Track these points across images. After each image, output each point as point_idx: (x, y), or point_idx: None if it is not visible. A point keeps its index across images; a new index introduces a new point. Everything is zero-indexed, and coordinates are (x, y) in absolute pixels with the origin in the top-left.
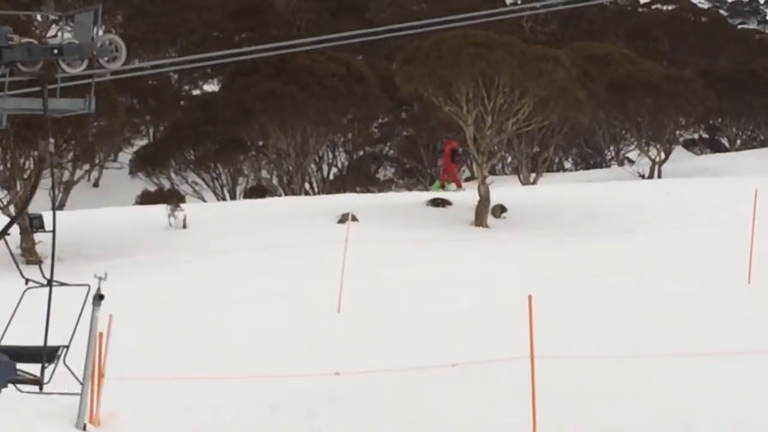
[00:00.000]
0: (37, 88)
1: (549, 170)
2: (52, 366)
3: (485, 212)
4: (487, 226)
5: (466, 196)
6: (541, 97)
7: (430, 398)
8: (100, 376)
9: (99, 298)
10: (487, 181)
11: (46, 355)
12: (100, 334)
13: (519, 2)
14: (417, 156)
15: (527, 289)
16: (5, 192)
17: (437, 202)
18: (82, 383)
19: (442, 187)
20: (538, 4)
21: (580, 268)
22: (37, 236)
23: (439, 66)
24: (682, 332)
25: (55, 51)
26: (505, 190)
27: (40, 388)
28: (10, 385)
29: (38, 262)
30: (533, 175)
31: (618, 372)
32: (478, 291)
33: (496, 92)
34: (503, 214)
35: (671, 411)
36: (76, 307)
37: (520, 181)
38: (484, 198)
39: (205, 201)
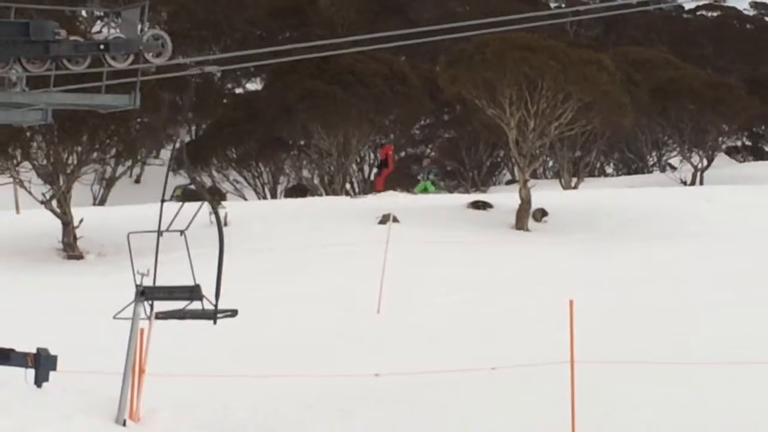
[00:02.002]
0: (84, 84)
1: (590, 175)
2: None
3: (526, 216)
4: (527, 230)
5: (507, 200)
6: (584, 102)
7: (468, 401)
8: (141, 372)
9: (141, 294)
10: (529, 184)
11: (193, 293)
12: (141, 331)
13: (563, 6)
14: (458, 158)
15: (567, 294)
16: (48, 186)
17: (478, 205)
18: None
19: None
20: (581, 8)
21: (620, 273)
22: (79, 231)
23: (482, 69)
24: (723, 339)
25: (102, 46)
26: (546, 194)
27: (214, 322)
28: (51, 377)
29: (79, 257)
30: (575, 179)
31: (658, 378)
32: (518, 294)
33: (539, 96)
34: (544, 218)
35: (711, 418)
36: (125, 302)
37: (562, 186)
38: (525, 201)
39: (246, 199)
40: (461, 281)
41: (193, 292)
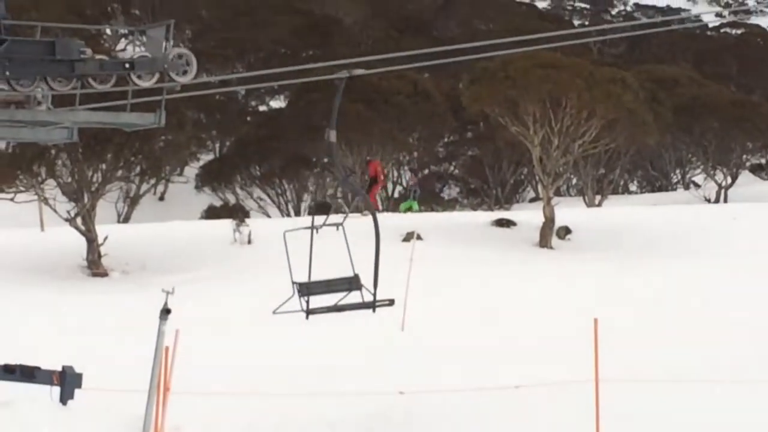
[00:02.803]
0: (109, 103)
1: (614, 193)
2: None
3: (550, 234)
4: (551, 248)
5: (530, 217)
6: (608, 120)
7: (493, 419)
8: (166, 389)
9: (166, 312)
10: (552, 202)
11: (351, 283)
12: (166, 348)
13: (587, 24)
14: (482, 176)
15: (591, 312)
16: (73, 204)
17: (502, 223)
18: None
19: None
20: (606, 27)
21: (644, 291)
22: (103, 249)
23: (506, 86)
24: (748, 358)
25: (127, 65)
26: (570, 211)
27: (373, 310)
28: (76, 395)
29: (104, 274)
30: (598, 197)
31: (683, 397)
32: (542, 312)
33: (563, 113)
34: (568, 236)
35: None
36: (150, 320)
37: (585, 203)
38: (549, 219)
39: (269, 217)
40: (485, 299)
41: (351, 283)
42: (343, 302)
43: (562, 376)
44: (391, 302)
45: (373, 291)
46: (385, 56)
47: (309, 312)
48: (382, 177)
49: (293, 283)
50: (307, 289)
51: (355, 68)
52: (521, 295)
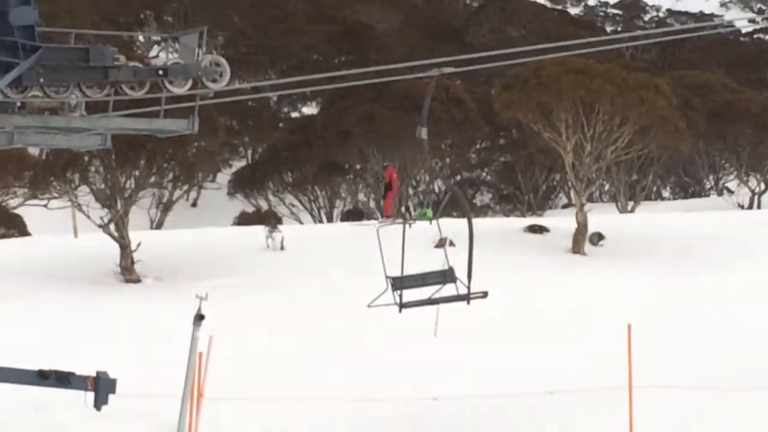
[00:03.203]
0: (142, 109)
1: (647, 199)
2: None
3: (583, 240)
4: (584, 254)
5: (563, 223)
6: (641, 126)
7: (526, 426)
8: (200, 395)
9: (199, 318)
10: (585, 208)
11: (446, 276)
12: (200, 354)
13: (619, 30)
14: (514, 182)
15: (625, 319)
16: (106, 210)
17: (535, 229)
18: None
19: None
20: (639, 33)
21: (678, 298)
22: (136, 255)
23: (538, 92)
24: None
25: (160, 72)
26: (602, 217)
27: (468, 302)
28: (110, 401)
29: (137, 281)
30: (631, 203)
31: (717, 404)
32: (575, 319)
33: (596, 119)
34: (601, 242)
35: None
36: (183, 326)
37: (618, 209)
38: (582, 225)
39: (302, 223)
40: (518, 305)
41: (446, 276)
42: (436, 295)
43: (596, 382)
44: (485, 294)
45: (467, 284)
46: (421, 62)
47: (402, 305)
48: (396, 184)
49: (387, 277)
50: (400, 282)
51: (444, 66)
52: (554, 301)
